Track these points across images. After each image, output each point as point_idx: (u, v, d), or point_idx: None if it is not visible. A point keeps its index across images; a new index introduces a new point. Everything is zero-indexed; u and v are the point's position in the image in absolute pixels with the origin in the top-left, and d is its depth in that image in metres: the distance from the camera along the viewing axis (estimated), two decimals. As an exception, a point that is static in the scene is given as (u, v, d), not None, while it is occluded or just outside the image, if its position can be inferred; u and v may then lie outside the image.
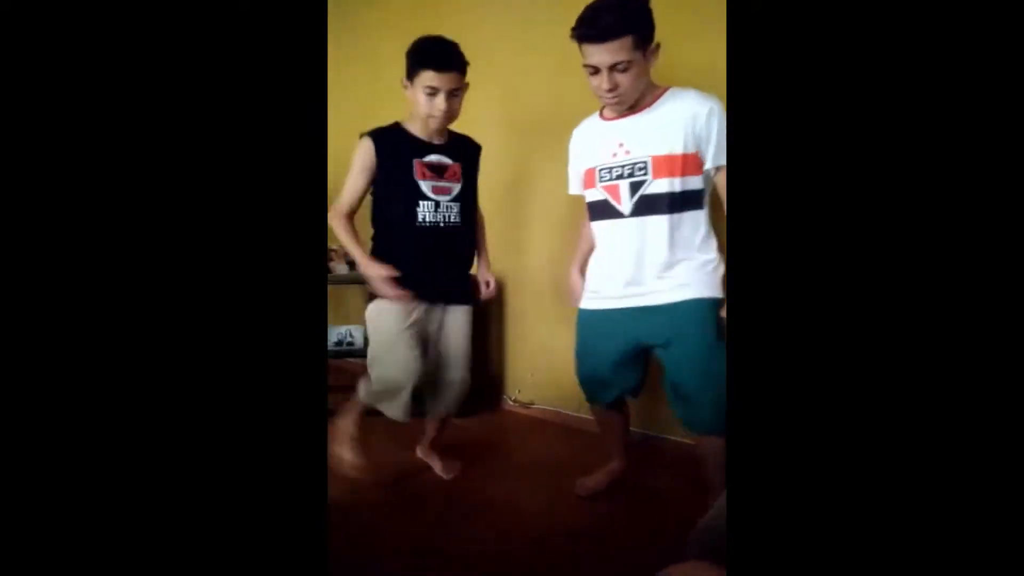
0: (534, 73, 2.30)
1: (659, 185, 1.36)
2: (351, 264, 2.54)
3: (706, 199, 1.40)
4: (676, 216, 1.36)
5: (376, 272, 1.54)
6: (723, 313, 1.37)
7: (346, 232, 1.58)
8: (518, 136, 2.36)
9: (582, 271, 1.63)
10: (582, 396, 1.67)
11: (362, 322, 2.89)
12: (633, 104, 1.39)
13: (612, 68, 1.29)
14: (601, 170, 1.45)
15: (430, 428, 1.84)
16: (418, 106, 1.52)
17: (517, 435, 2.23)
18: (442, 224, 1.59)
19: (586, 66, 1.32)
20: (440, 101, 1.49)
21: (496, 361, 2.53)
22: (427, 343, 1.65)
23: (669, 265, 1.38)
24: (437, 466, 1.83)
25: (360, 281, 2.35)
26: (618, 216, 1.43)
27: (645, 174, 1.38)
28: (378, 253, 1.61)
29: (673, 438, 2.00)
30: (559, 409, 2.33)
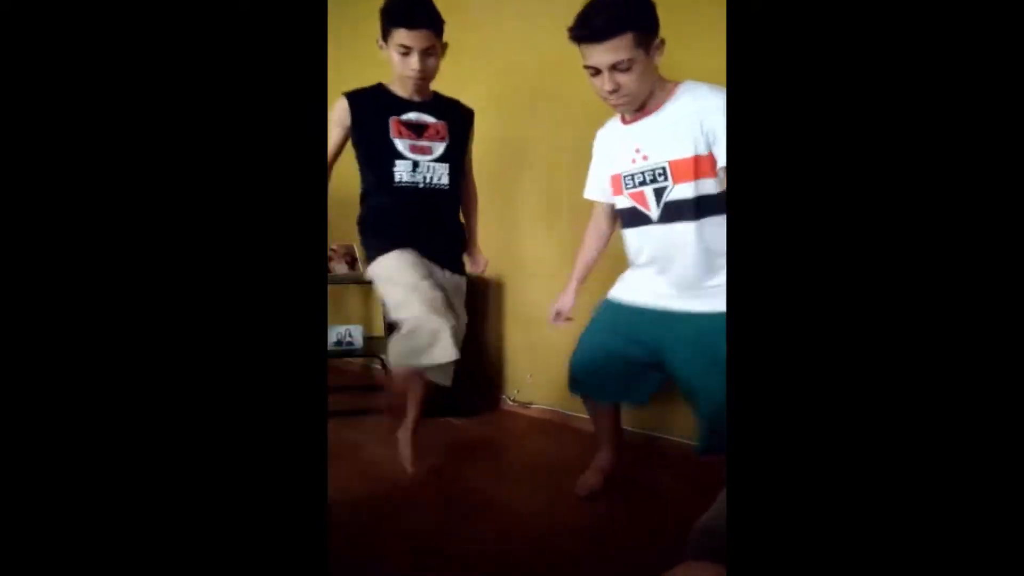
0: (537, 73, 2.30)
1: (681, 191, 1.30)
2: (350, 263, 2.54)
3: None
4: (702, 222, 1.30)
5: None
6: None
7: None
8: (517, 132, 2.36)
9: (580, 281, 1.59)
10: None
11: (361, 321, 2.91)
12: (643, 104, 1.33)
13: (613, 68, 1.23)
14: (625, 177, 1.40)
15: (413, 405, 1.74)
16: (393, 66, 1.49)
17: (516, 435, 2.23)
18: (421, 185, 1.54)
19: (586, 67, 1.27)
20: (414, 60, 1.45)
21: (495, 361, 2.53)
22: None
23: (701, 273, 1.32)
24: (406, 456, 1.75)
25: (359, 281, 2.37)
26: (648, 222, 1.37)
27: (666, 180, 1.32)
28: (365, 215, 1.60)
29: (673, 438, 2.00)
30: (558, 409, 2.33)
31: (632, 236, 1.44)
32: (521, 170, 2.37)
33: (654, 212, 1.36)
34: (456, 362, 1.58)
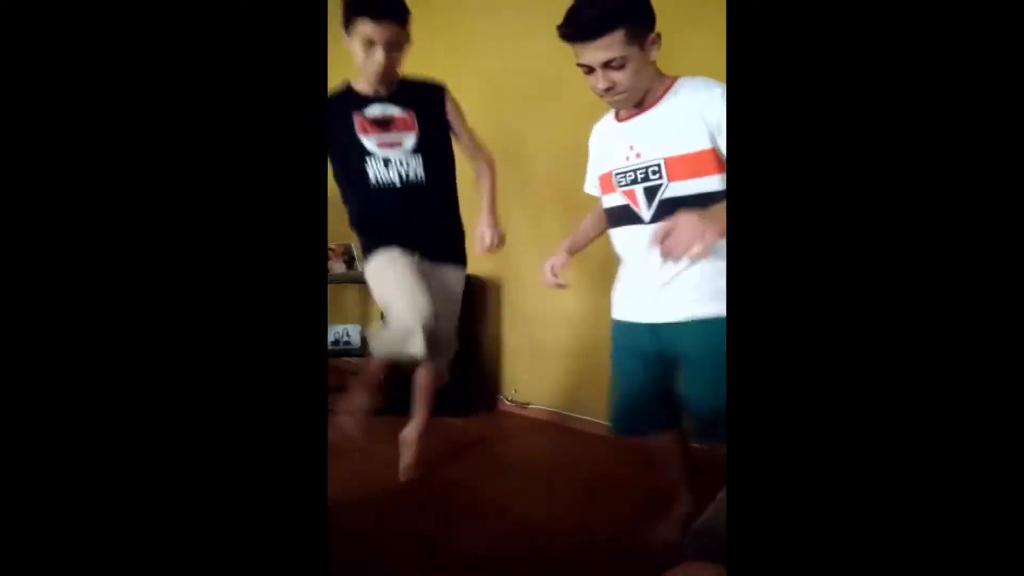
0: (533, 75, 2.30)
1: (677, 188, 1.24)
2: (348, 263, 2.54)
3: None
4: None
5: None
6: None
7: None
8: (515, 131, 2.36)
9: (572, 253, 1.51)
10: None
11: (358, 321, 2.90)
12: (641, 101, 1.28)
13: (606, 66, 1.18)
14: (617, 174, 1.34)
15: (421, 405, 1.72)
16: (356, 59, 1.41)
17: (515, 435, 2.23)
18: (399, 184, 1.48)
19: (579, 65, 1.22)
20: (379, 55, 1.38)
21: (493, 361, 2.53)
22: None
23: (694, 274, 1.25)
24: (407, 459, 1.73)
25: (357, 280, 2.36)
26: (639, 222, 1.31)
27: (660, 177, 1.26)
28: (353, 217, 1.57)
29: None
30: (556, 409, 2.33)
31: (620, 235, 1.38)
32: (519, 169, 2.37)
33: (645, 212, 1.31)
34: (453, 359, 1.57)
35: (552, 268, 1.47)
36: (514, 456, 2.03)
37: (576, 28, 1.16)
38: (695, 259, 1.03)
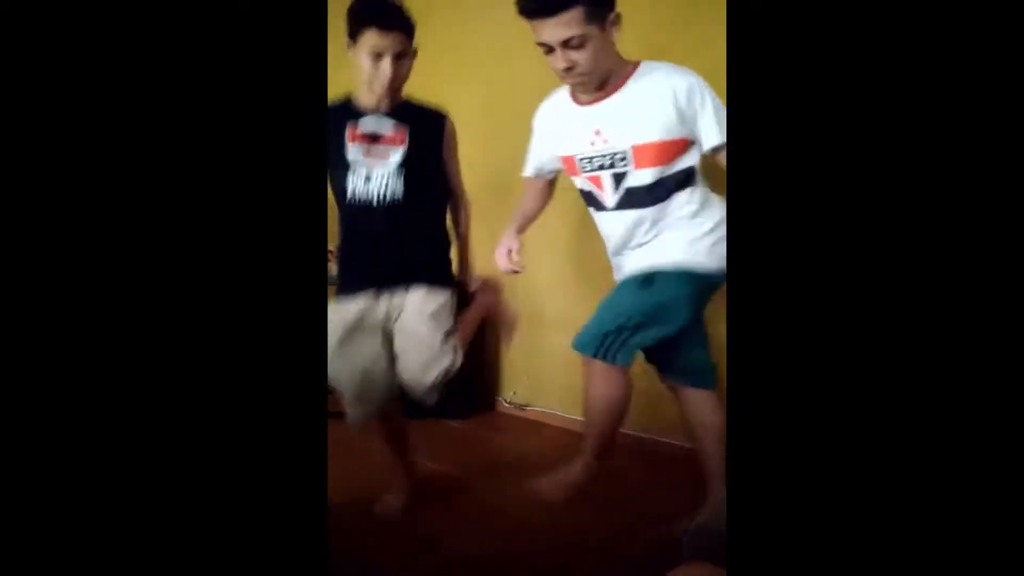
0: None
1: (643, 176, 1.25)
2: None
3: (698, 176, 1.29)
4: (663, 203, 1.27)
5: None
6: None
7: None
8: (507, 136, 2.36)
9: (520, 231, 1.48)
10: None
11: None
12: (603, 84, 1.26)
13: (565, 45, 1.16)
14: (581, 159, 1.33)
15: (396, 462, 1.65)
16: (362, 71, 1.38)
17: (514, 436, 2.23)
18: (375, 203, 1.42)
19: (539, 44, 1.20)
20: (386, 65, 1.35)
21: (491, 363, 2.53)
22: (383, 340, 1.48)
23: (650, 238, 1.29)
24: (393, 495, 1.65)
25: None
26: (602, 208, 1.33)
27: (626, 164, 1.26)
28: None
29: (673, 441, 2.00)
30: (555, 411, 2.33)
31: (594, 217, 1.40)
32: (515, 171, 2.36)
33: (610, 199, 1.31)
34: (451, 376, 1.48)
35: (510, 254, 1.42)
36: (513, 458, 2.02)
37: (535, 3, 1.15)
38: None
